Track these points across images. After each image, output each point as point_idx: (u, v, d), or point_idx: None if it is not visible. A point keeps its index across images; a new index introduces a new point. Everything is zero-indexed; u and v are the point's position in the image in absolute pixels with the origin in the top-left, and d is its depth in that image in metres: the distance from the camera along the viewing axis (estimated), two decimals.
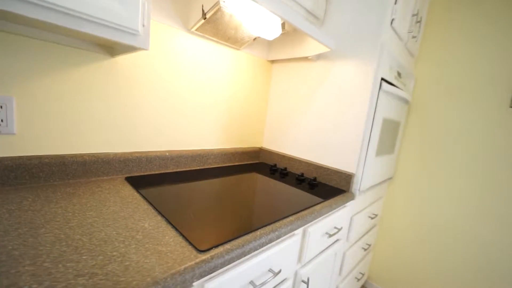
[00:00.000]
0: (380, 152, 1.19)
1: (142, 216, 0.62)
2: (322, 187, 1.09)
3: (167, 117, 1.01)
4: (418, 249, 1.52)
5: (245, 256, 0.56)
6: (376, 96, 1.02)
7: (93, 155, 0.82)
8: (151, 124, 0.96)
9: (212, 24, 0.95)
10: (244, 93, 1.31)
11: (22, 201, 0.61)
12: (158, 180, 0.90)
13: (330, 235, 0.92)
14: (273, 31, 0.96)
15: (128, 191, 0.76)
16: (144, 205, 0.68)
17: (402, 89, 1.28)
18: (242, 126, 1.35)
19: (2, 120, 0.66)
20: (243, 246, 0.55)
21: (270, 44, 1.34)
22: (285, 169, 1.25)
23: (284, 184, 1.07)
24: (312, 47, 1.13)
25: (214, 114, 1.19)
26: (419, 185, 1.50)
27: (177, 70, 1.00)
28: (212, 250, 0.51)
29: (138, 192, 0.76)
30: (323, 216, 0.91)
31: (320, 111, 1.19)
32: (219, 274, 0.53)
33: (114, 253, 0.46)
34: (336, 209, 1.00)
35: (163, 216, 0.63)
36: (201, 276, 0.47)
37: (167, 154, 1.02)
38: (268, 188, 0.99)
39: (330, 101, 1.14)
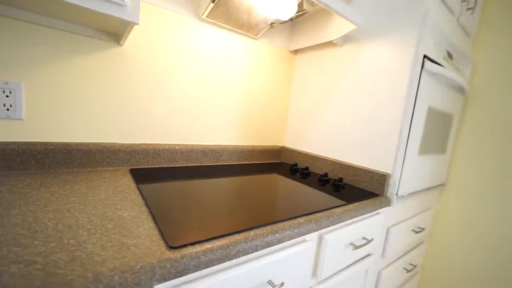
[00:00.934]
0: (425, 150, 0.97)
1: (125, 205, 0.55)
2: (349, 189, 0.92)
3: (177, 109, 0.96)
4: (483, 277, 1.19)
5: (230, 260, 0.45)
6: (418, 77, 0.83)
7: (99, 144, 0.81)
8: (160, 116, 0.93)
9: (222, 8, 0.89)
10: (264, 87, 1.22)
11: (18, 183, 0.60)
12: (164, 174, 0.85)
13: (357, 247, 0.74)
14: (288, 9, 0.85)
15: (126, 181, 0.72)
16: (135, 195, 0.62)
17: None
18: (261, 122, 1.25)
19: (11, 105, 0.68)
20: (228, 247, 0.44)
21: (291, 32, 1.24)
22: (307, 168, 1.10)
23: (303, 185, 0.93)
24: (336, 29, 0.99)
25: (229, 108, 1.11)
26: (482, 195, 1.19)
27: (189, 61, 0.96)
28: (184, 248, 0.41)
29: (135, 183, 0.71)
30: (345, 222, 0.75)
31: (348, 101, 1.02)
32: (194, 280, 0.43)
33: (71, 241, 0.39)
34: (365, 216, 0.82)
35: (147, 206, 0.56)
36: (165, 279, 0.37)
37: (176, 147, 0.97)
38: (283, 189, 0.86)
39: (360, 88, 0.98)
